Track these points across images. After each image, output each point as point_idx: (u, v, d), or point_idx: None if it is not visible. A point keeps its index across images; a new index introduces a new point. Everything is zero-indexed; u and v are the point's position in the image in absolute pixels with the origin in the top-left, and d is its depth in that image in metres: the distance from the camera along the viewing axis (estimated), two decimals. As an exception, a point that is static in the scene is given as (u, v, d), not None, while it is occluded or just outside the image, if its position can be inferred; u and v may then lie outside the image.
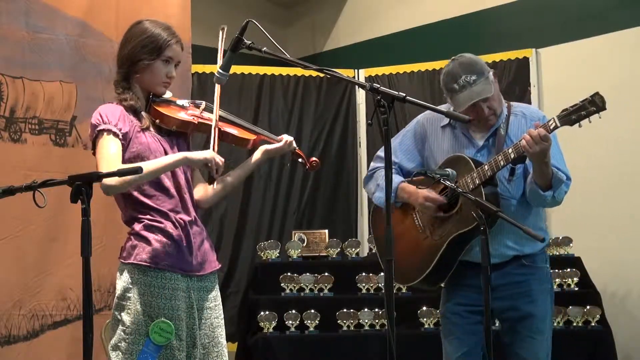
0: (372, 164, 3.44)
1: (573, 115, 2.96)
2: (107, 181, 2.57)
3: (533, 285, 3.21)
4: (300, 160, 3.03)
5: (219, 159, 2.80)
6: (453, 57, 3.24)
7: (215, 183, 2.86)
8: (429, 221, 3.24)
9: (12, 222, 4.17)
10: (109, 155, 2.66)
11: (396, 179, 3.27)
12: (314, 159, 3.05)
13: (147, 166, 2.64)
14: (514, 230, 3.05)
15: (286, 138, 2.97)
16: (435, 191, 3.21)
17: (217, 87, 2.92)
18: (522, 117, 3.25)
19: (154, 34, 2.80)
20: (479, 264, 3.13)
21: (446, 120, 3.29)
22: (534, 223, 3.21)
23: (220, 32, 2.96)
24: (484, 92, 3.12)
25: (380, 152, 3.41)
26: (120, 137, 2.71)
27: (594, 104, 2.93)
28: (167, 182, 2.77)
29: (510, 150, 3.05)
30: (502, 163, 3.06)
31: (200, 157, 2.78)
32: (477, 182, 3.08)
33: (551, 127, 2.99)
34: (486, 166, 3.09)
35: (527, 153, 2.98)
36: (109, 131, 2.70)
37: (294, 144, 2.99)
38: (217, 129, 2.86)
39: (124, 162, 2.71)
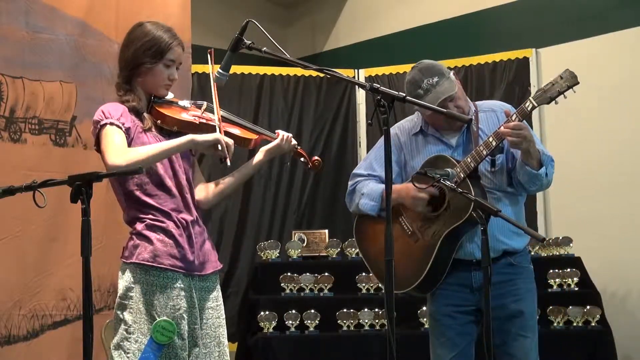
0: (350, 181, 3.42)
1: (548, 94, 3.04)
2: (114, 161, 2.60)
3: (520, 284, 3.23)
4: (302, 159, 3.03)
5: (228, 139, 2.77)
6: (413, 65, 3.28)
7: (228, 161, 2.77)
8: (418, 223, 3.23)
9: (12, 222, 4.17)
10: (115, 144, 2.67)
11: (381, 186, 3.24)
12: (316, 158, 3.04)
13: (155, 148, 2.67)
14: (502, 223, 3.06)
15: (282, 134, 2.96)
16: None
17: (213, 86, 2.92)
18: (492, 112, 3.30)
19: (155, 37, 2.80)
20: (469, 261, 3.18)
21: (417, 128, 3.34)
22: (519, 216, 3.25)
23: (209, 56, 2.93)
24: (447, 90, 3.16)
25: (358, 170, 3.43)
26: (124, 130, 2.72)
27: (567, 80, 3.02)
28: (169, 182, 2.77)
29: (490, 139, 3.08)
30: (484, 152, 3.09)
31: (209, 138, 2.75)
32: (462, 175, 3.10)
33: (529, 109, 3.06)
34: (469, 158, 3.12)
35: (513, 147, 3.06)
36: (112, 124, 2.71)
37: (294, 141, 2.98)
38: (221, 123, 2.85)
39: None
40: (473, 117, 3.25)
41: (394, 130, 3.40)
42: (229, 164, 2.77)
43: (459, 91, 3.22)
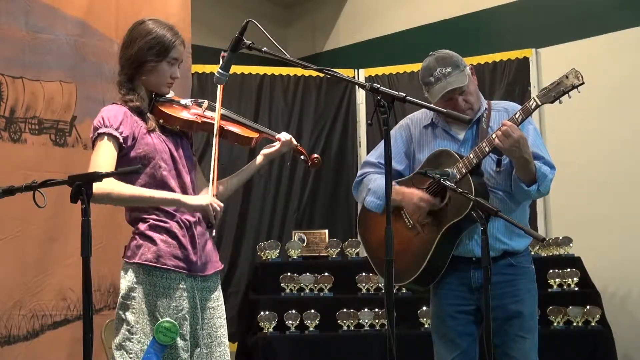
0: (361, 171, 3.45)
1: (552, 93, 3.03)
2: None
3: (520, 285, 3.22)
4: (302, 157, 3.04)
5: (217, 205, 2.73)
6: (431, 53, 3.31)
7: (213, 232, 2.82)
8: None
9: (12, 222, 4.17)
10: (100, 163, 2.66)
11: None
12: (315, 155, 3.05)
13: (134, 192, 2.67)
14: (503, 223, 3.06)
15: (283, 138, 2.96)
16: (422, 188, 3.22)
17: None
18: (504, 112, 3.28)
19: (159, 35, 2.78)
20: (468, 259, 3.17)
21: (428, 121, 3.34)
22: (522, 217, 3.24)
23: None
24: (457, 82, 3.17)
25: (369, 157, 3.45)
26: (121, 140, 2.70)
27: (572, 80, 3.01)
28: (173, 183, 2.77)
29: (493, 136, 3.07)
30: (487, 149, 3.09)
31: (196, 203, 2.72)
32: (464, 171, 3.11)
33: (532, 107, 3.05)
34: (471, 154, 3.12)
35: (500, 149, 3.03)
36: (109, 135, 2.69)
37: (294, 142, 2.98)
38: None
39: (129, 162, 2.71)
40: (472, 118, 3.24)
41: (406, 121, 3.43)
42: (214, 234, 2.83)
43: (472, 86, 3.23)
